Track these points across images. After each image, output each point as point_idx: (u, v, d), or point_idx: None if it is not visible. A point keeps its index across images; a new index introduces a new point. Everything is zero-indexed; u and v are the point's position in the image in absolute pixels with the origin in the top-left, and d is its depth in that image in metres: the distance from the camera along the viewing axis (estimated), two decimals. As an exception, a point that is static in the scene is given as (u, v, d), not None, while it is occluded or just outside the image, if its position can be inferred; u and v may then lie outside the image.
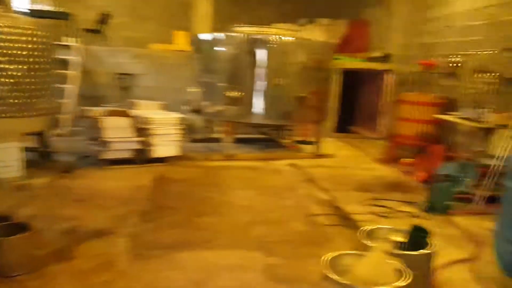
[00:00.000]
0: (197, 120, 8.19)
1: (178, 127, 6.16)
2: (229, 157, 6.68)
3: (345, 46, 10.71)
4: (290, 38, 6.47)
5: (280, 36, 6.42)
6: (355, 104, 10.61)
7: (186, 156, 6.45)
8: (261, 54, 6.40)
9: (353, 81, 10.21)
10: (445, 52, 6.95)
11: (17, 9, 9.72)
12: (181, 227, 3.94)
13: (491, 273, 3.17)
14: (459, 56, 6.20)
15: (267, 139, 7.91)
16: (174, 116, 6.24)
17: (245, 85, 6.49)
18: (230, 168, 6.19)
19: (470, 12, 6.44)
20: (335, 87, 8.71)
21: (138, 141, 5.88)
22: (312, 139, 7.62)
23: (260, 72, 6.47)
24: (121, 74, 8.06)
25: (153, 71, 8.70)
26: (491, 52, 5.42)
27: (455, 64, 6.22)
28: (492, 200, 4.54)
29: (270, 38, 6.38)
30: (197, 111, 7.00)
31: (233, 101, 6.48)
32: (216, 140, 7.62)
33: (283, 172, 6.15)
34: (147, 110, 6.54)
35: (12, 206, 4.08)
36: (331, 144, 8.01)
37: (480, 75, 5.39)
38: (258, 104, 6.55)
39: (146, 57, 8.72)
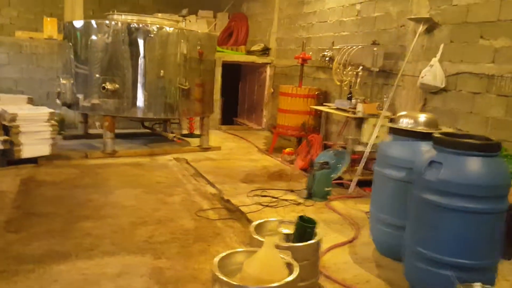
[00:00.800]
0: (70, 115, 7.58)
1: (49, 123, 5.60)
2: (110, 154, 6.29)
3: (226, 39, 10.80)
4: (171, 29, 6.28)
5: (161, 26, 6.20)
6: (239, 96, 10.79)
7: (60, 155, 5.92)
8: (140, 44, 6.11)
9: (235, 74, 10.36)
10: (319, 47, 7.40)
11: None
12: (56, 235, 3.57)
13: (369, 253, 3.45)
14: (331, 50, 6.62)
15: (151, 133, 7.63)
16: (44, 111, 5.66)
17: (125, 77, 6.14)
18: (112, 166, 5.84)
19: (340, 9, 6.92)
20: (217, 79, 8.72)
21: (2, 141, 5.22)
22: (198, 132, 7.55)
23: (140, 63, 6.18)
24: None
25: (18, 61, 7.80)
26: (360, 46, 5.87)
27: (327, 58, 6.62)
28: (365, 184, 4.97)
29: (150, 27, 6.11)
30: (70, 104, 6.43)
31: (111, 94, 6.09)
32: (95, 136, 7.14)
33: (169, 168, 5.98)
34: (12, 105, 5.84)
35: None
36: (216, 137, 8.03)
37: (350, 68, 5.81)
38: (139, 97, 6.26)
39: (10, 45, 7.77)
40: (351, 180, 5.06)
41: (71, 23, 6.47)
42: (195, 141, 7.31)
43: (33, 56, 7.90)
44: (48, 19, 8.10)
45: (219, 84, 8.98)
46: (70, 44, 6.40)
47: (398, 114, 3.44)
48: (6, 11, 11.98)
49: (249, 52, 9.75)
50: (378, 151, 3.48)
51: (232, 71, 9.82)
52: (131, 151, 6.56)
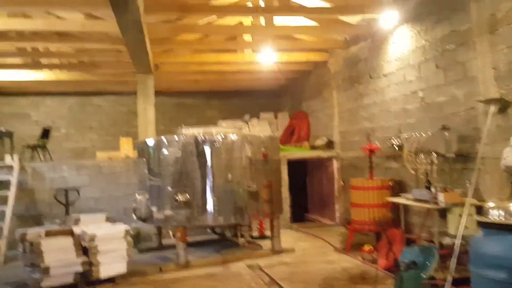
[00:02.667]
0: (145, 228, 7.76)
1: (125, 240, 5.72)
2: (183, 267, 6.23)
3: (289, 137, 10.98)
4: (235, 136, 6.49)
5: (225, 135, 6.43)
6: (307, 191, 10.62)
7: (135, 271, 5.93)
8: (207, 154, 6.33)
9: (301, 169, 10.32)
10: (385, 135, 7.22)
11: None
12: None
13: None
14: (398, 138, 6.42)
15: (222, 239, 7.56)
16: (120, 228, 5.82)
17: (194, 186, 6.30)
18: (184, 279, 5.72)
19: (403, 97, 6.82)
20: (284, 178, 8.71)
21: (81, 263, 5.36)
22: (269, 234, 7.37)
23: (208, 171, 6.34)
24: (63, 189, 7.62)
25: (98, 181, 8.35)
26: (428, 132, 5.63)
27: (396, 147, 6.41)
28: (461, 282, 4.41)
29: (215, 137, 6.36)
30: (145, 218, 6.62)
31: (182, 204, 6.21)
32: (168, 247, 7.18)
33: (242, 276, 5.76)
34: (92, 224, 6.09)
35: None
36: (288, 237, 7.78)
37: (422, 156, 5.54)
38: (209, 204, 6.32)
39: (90, 167, 8.39)
40: (444, 280, 4.52)
41: (144, 141, 6.92)
42: (267, 243, 7.11)
43: (112, 175, 8.43)
44: (124, 139, 8.76)
45: (286, 182, 8.94)
46: (144, 160, 6.77)
47: (486, 205, 3.10)
48: (88, 135, 13.21)
49: (313, 148, 9.77)
50: (470, 248, 3.11)
51: (298, 167, 9.80)
52: (204, 261, 6.46)
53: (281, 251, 6.84)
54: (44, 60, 10.34)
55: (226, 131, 6.65)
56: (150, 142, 6.76)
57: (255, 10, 8.06)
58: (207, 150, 6.32)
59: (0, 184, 7.68)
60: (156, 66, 9.57)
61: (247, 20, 8.91)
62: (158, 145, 6.55)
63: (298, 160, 9.37)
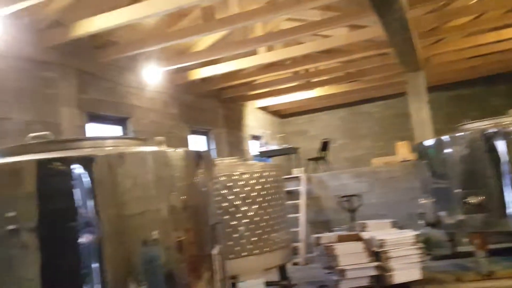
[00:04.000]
0: (435, 234, 7.30)
1: (416, 246, 5.49)
2: (486, 276, 5.51)
3: None
4: (536, 124, 5.42)
5: (523, 124, 5.46)
6: None
7: (430, 278, 5.61)
8: (500, 148, 5.48)
9: None
10: None
11: (252, 155, 11.24)
12: None
13: None
14: None
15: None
16: (410, 234, 5.63)
17: (488, 186, 5.54)
18: (492, 291, 5.06)
19: None
20: None
21: (374, 267, 5.42)
22: None
23: (504, 168, 5.48)
24: (345, 196, 8.02)
25: (378, 187, 8.42)
26: None
27: None
28: None
29: (508, 128, 5.46)
30: (433, 224, 6.24)
31: (476, 207, 5.54)
32: (464, 255, 6.53)
33: None
34: (378, 230, 6.13)
35: None
36: None
37: None
38: (509, 207, 5.43)
39: (368, 174, 8.57)
40: None
41: (422, 143, 6.58)
42: None
43: (390, 180, 8.37)
44: (400, 142, 8.60)
45: None
46: (424, 162, 6.43)
47: None
48: (362, 143, 13.62)
49: None
50: None
51: None
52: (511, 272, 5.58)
53: None
54: (315, 79, 11.30)
55: (522, 120, 5.64)
56: (429, 142, 6.36)
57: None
58: (500, 143, 5.48)
59: (291, 194, 8.67)
60: (425, 61, 9.09)
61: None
62: (439, 144, 6.09)
63: None
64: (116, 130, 7.59)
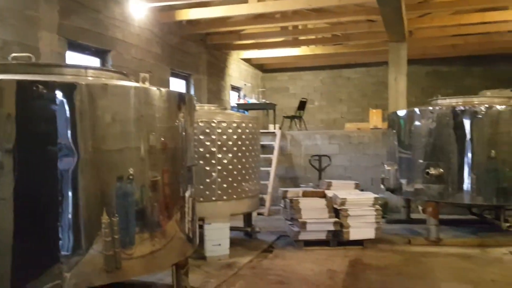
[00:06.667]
0: (393, 199, 7.72)
1: (374, 208, 5.84)
2: (434, 242, 5.96)
3: None
4: (503, 107, 5.69)
5: (490, 105, 5.72)
6: None
7: (383, 239, 6.01)
8: (467, 126, 5.77)
9: None
10: None
11: (231, 105, 11.31)
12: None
13: None
14: None
15: (480, 221, 6.86)
16: (370, 196, 5.96)
17: (449, 161, 5.87)
18: (436, 255, 5.48)
19: None
20: None
21: (333, 223, 5.76)
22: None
23: (467, 145, 5.79)
24: (316, 156, 8.30)
25: (348, 150, 8.72)
26: None
27: None
28: None
29: (477, 108, 5.73)
30: (393, 189, 6.60)
31: (435, 179, 5.90)
32: (417, 221, 6.96)
33: (504, 263, 5.13)
34: (342, 190, 6.45)
35: (218, 285, 4.33)
36: None
37: None
38: (466, 181, 5.80)
39: (340, 137, 8.84)
40: None
41: (394, 112, 6.81)
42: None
43: (360, 145, 8.67)
44: (374, 110, 8.84)
45: None
46: (394, 131, 6.69)
47: None
48: (338, 107, 13.86)
49: None
50: None
51: None
52: (458, 241, 6.03)
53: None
54: (302, 37, 11.27)
55: (492, 101, 5.90)
56: (401, 113, 6.60)
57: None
58: (467, 122, 5.77)
59: (265, 148, 8.88)
60: (410, 33, 9.20)
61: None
62: (410, 116, 6.34)
63: None
64: (95, 62, 7.49)
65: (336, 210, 5.86)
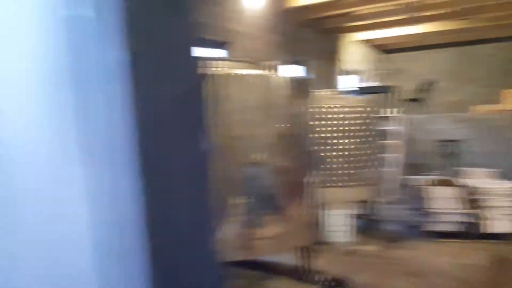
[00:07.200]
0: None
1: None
2: None
3: None
4: None
5: None
6: None
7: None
8: None
9: None
10: None
11: (345, 89, 11.05)
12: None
13: None
14: None
15: None
16: (506, 185, 5.36)
17: None
18: None
19: None
20: None
21: (467, 213, 5.30)
22: None
23: None
24: (443, 141, 7.69)
25: (480, 135, 7.93)
26: None
27: None
28: None
29: None
30: (539, 178, 5.85)
31: None
32: None
33: None
34: (476, 179, 5.90)
35: (344, 271, 4.25)
36: None
37: None
38: None
39: (471, 120, 8.07)
40: None
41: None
42: None
43: (495, 129, 7.82)
44: (507, 91, 7.90)
45: None
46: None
47: None
48: (467, 88, 12.71)
49: None
50: None
51: None
52: None
53: None
54: (424, 13, 10.46)
55: None
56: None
57: None
58: None
59: (384, 134, 8.47)
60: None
61: None
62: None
63: None
64: (218, 54, 7.79)
65: (471, 201, 5.38)
